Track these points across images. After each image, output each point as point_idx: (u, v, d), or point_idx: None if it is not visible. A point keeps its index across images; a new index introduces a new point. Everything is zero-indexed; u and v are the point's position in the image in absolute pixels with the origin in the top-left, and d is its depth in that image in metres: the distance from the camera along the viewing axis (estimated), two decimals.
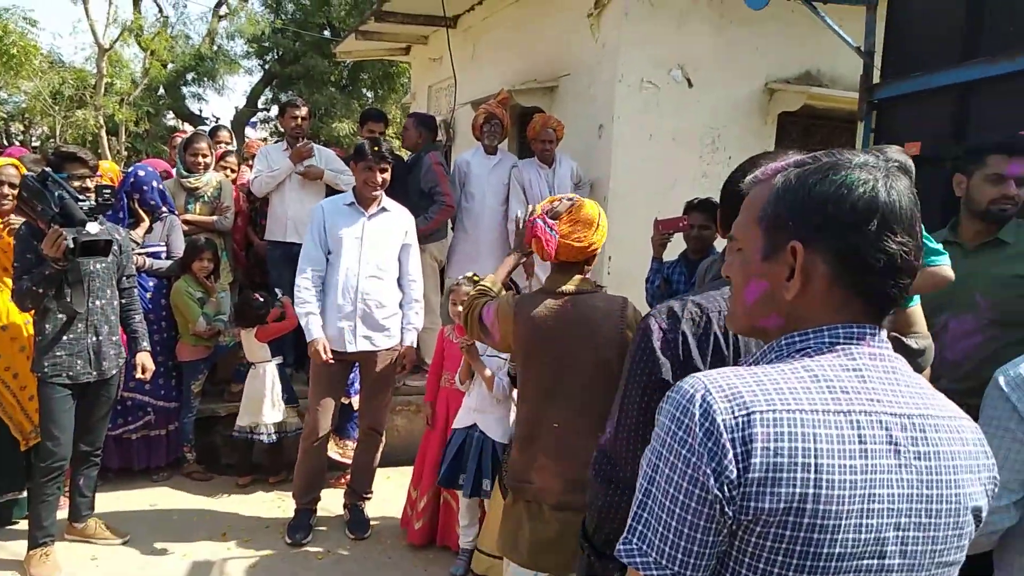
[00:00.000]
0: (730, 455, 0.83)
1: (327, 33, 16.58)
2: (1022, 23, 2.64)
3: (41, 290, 2.96)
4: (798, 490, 0.83)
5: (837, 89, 5.09)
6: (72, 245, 2.83)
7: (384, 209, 3.55)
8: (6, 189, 3.28)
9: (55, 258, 2.86)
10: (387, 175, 3.48)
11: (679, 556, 0.86)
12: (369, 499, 3.79)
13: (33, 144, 20.49)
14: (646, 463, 0.92)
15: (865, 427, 0.86)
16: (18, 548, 3.23)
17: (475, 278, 3.45)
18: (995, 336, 2.36)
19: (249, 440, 4.05)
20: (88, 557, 3.31)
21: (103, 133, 15.87)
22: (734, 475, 0.83)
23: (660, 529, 0.88)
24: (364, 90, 18.16)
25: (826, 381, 0.88)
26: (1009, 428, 1.40)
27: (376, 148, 3.43)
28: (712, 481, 0.84)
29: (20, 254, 2.99)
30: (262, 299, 4.06)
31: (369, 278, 3.49)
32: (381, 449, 3.77)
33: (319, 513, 3.74)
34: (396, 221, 3.59)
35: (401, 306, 3.64)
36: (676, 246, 3.78)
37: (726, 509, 0.84)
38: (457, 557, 3.34)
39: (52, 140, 17.80)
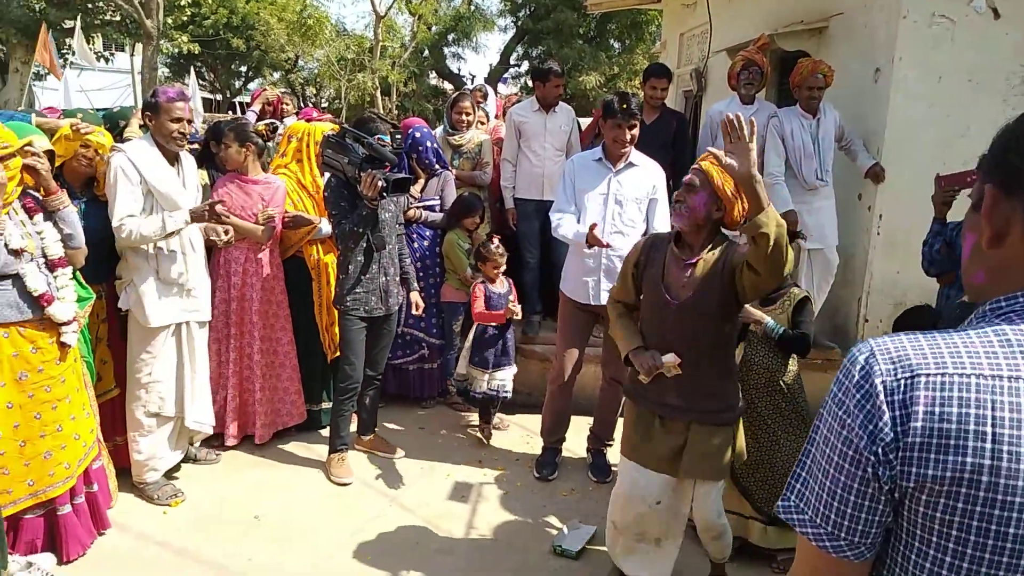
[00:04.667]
0: (886, 417, 0.81)
1: None
2: None
3: (360, 229, 3.46)
4: (970, 459, 0.77)
5: None
6: (385, 184, 3.29)
7: (632, 164, 3.56)
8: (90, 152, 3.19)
9: (371, 198, 3.34)
10: (635, 131, 3.46)
11: (832, 516, 0.86)
12: (611, 446, 3.95)
13: (322, 105, 23.49)
14: (812, 425, 0.92)
15: None
16: (323, 451, 3.89)
17: None
18: None
19: (462, 388, 4.26)
20: (372, 466, 3.88)
21: (378, 94, 17.66)
22: (890, 438, 0.81)
23: (816, 488, 0.88)
24: (612, 41, 18.05)
25: (1020, 346, 0.80)
26: None
27: (625, 105, 3.43)
28: (865, 443, 0.81)
29: (335, 202, 3.51)
30: (498, 245, 4.16)
31: (614, 233, 3.55)
32: (623, 399, 3.89)
33: (563, 454, 3.99)
34: (644, 176, 3.59)
35: None
36: (963, 204, 3.33)
37: (881, 473, 0.81)
38: None
39: (337, 101, 20.22)
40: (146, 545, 3.05)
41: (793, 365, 3.09)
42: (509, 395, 4.20)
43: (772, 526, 3.05)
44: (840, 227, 4.54)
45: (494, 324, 4.06)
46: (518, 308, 4.04)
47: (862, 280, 4.68)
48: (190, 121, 3.22)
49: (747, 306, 3.05)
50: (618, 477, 2.78)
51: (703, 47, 7.22)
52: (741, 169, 2.14)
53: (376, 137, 3.52)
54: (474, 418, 4.42)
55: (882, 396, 0.82)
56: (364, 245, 3.55)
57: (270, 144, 4.15)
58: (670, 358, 2.47)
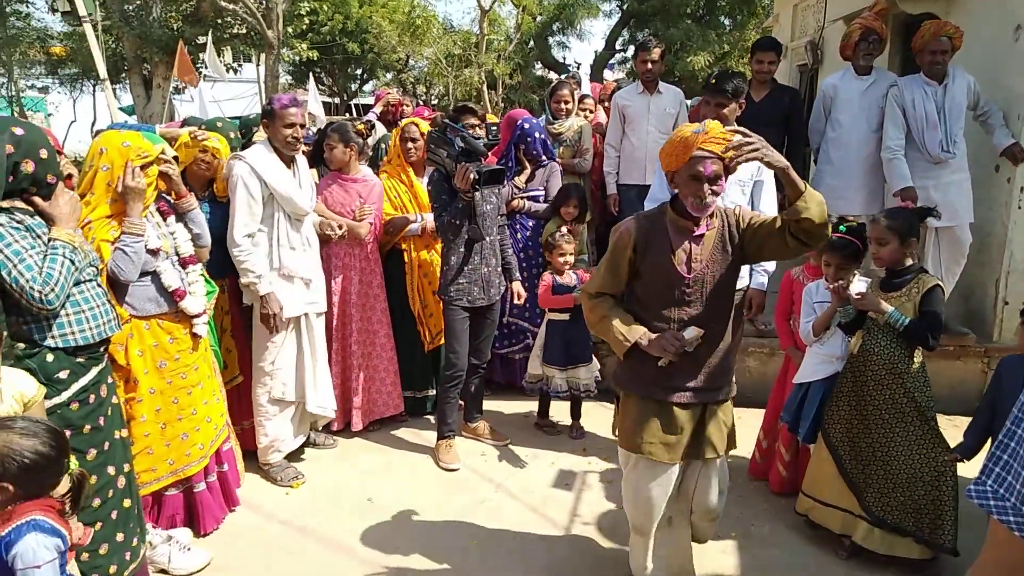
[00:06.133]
0: None
1: None
2: None
3: (457, 221, 3.55)
4: None
5: None
6: (477, 176, 3.36)
7: None
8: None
9: (465, 190, 3.42)
10: (725, 110, 3.27)
11: None
12: None
13: (432, 103, 24.08)
14: (1017, 404, 0.81)
15: None
16: (431, 437, 4.02)
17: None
18: None
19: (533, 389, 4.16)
20: (479, 453, 3.97)
21: (484, 88, 17.88)
22: None
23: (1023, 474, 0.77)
24: (721, 18, 17.36)
25: None
26: None
27: (713, 81, 3.30)
28: None
29: (436, 196, 3.63)
30: (565, 234, 4.04)
31: None
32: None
33: None
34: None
35: None
36: None
37: None
38: None
39: (446, 98, 20.65)
40: (271, 523, 3.28)
41: (918, 357, 2.87)
42: (593, 393, 4.09)
43: (879, 528, 2.87)
44: (975, 202, 4.18)
45: (563, 319, 3.96)
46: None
47: (1000, 259, 4.30)
48: (303, 125, 3.40)
49: (868, 293, 2.86)
50: (631, 478, 2.57)
51: (818, 17, 6.83)
52: (777, 164, 2.19)
53: (468, 127, 3.60)
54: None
55: None
56: (465, 237, 3.63)
57: (369, 141, 4.32)
58: (692, 332, 2.36)
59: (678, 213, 2.42)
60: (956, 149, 4.05)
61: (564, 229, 4.12)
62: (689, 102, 5.30)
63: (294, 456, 3.80)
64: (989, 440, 2.72)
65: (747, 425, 3.96)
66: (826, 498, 3.01)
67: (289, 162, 3.46)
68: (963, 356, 4.36)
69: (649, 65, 4.61)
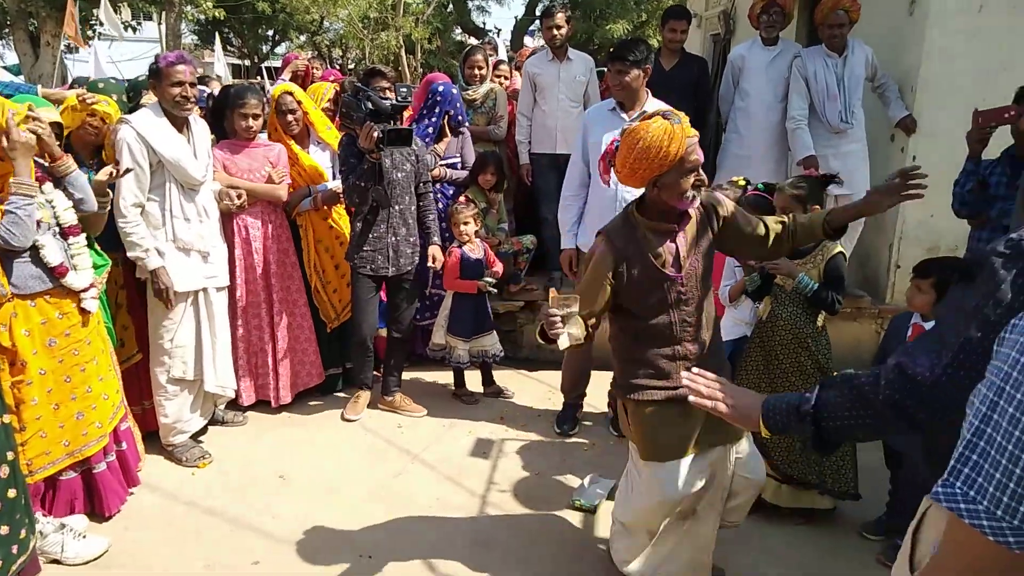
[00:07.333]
0: None
1: None
2: None
3: (363, 183, 3.48)
4: None
5: None
6: (380, 135, 3.30)
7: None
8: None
9: (369, 150, 3.35)
10: (628, 78, 3.28)
11: (1021, 509, 0.72)
12: None
13: (349, 67, 23.34)
14: (980, 400, 0.79)
15: None
16: (338, 413, 3.96)
17: (741, 182, 3.25)
18: None
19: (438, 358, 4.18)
20: (395, 425, 3.93)
21: (402, 52, 17.44)
22: None
23: (997, 476, 0.74)
24: None
25: None
26: None
27: (615, 50, 3.34)
28: None
29: (344, 159, 3.54)
30: (466, 203, 4.07)
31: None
32: None
33: (585, 409, 3.98)
34: None
35: None
36: (999, 142, 3.18)
37: None
38: None
39: (363, 62, 20.05)
40: (175, 504, 3.15)
41: (820, 321, 3.00)
42: (501, 354, 4.18)
43: (786, 484, 3.02)
44: (871, 171, 4.37)
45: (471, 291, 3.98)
46: (489, 283, 3.99)
47: (893, 226, 4.52)
48: (192, 84, 3.19)
49: (783, 258, 2.92)
50: (652, 485, 2.39)
51: None
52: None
53: (378, 90, 3.52)
54: (498, 376, 4.43)
55: None
56: (371, 202, 3.56)
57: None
58: (551, 296, 2.07)
59: (654, 218, 2.28)
60: (854, 119, 4.22)
61: (462, 199, 4.09)
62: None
63: (200, 435, 3.66)
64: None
65: None
66: None
67: (182, 127, 3.26)
68: (859, 318, 4.59)
69: (554, 32, 4.56)
